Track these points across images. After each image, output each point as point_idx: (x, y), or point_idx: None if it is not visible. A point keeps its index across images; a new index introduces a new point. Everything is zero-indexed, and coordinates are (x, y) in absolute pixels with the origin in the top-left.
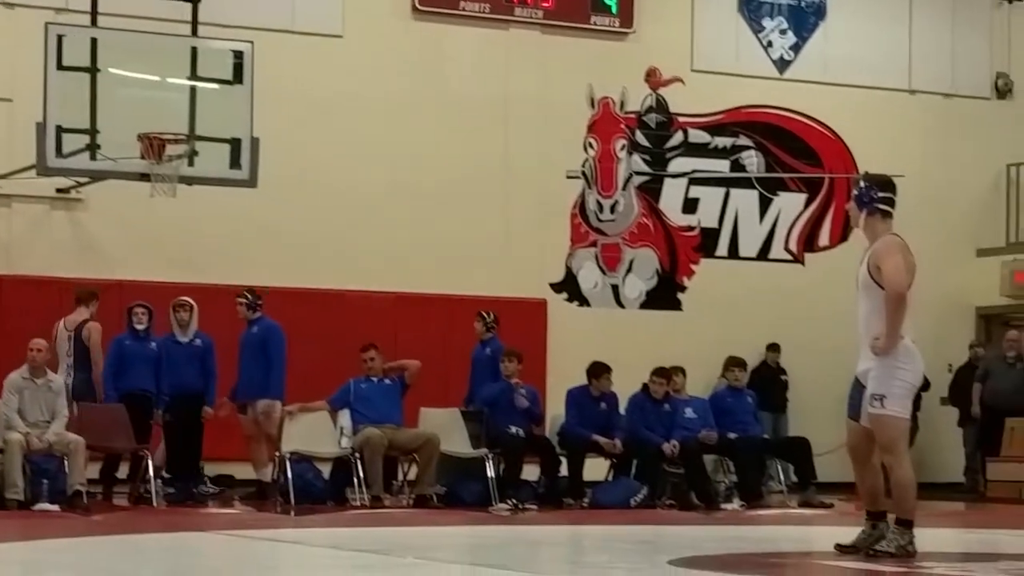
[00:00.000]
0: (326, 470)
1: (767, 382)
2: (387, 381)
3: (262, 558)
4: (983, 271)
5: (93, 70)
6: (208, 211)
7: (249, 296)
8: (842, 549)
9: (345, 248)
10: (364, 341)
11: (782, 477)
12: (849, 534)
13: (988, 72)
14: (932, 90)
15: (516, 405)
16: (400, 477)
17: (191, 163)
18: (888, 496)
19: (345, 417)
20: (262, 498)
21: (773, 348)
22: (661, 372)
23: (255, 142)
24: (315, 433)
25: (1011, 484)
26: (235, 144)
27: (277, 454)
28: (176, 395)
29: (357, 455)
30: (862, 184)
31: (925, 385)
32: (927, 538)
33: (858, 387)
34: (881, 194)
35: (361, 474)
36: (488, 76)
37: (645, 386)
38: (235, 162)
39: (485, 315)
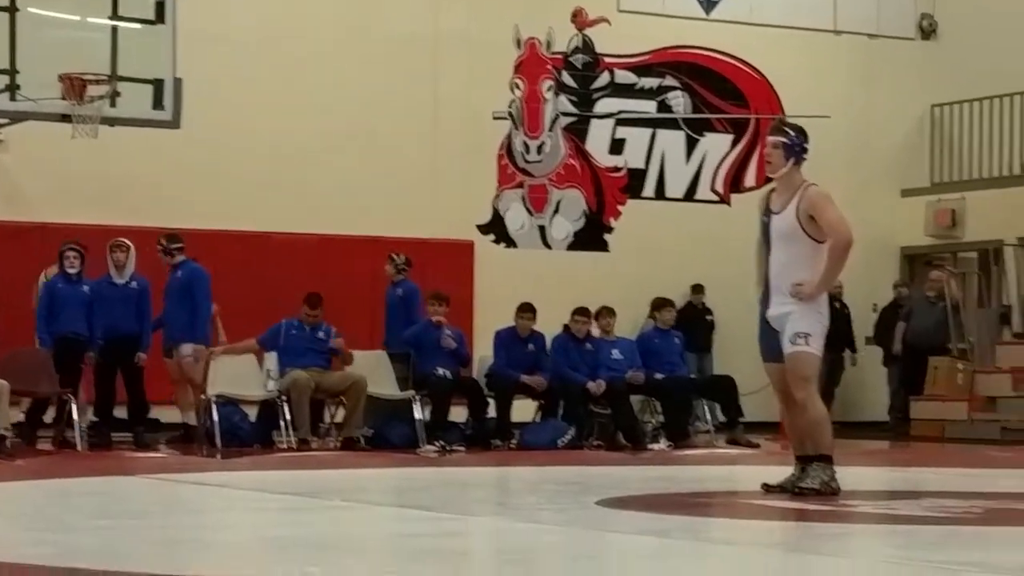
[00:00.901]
0: (253, 413)
1: (693, 323)
2: (320, 334)
3: (188, 502)
4: (907, 211)
5: (12, 9)
6: (131, 153)
7: (164, 242)
8: (769, 489)
9: (270, 190)
10: (289, 283)
11: (709, 417)
12: (775, 473)
13: (913, 13)
14: (857, 31)
15: (443, 347)
16: (327, 420)
17: (113, 104)
18: None
19: (272, 360)
20: (188, 442)
21: (698, 289)
22: (582, 311)
23: (178, 83)
24: (241, 376)
25: (934, 422)
26: (158, 85)
27: (203, 397)
28: (110, 338)
29: (284, 398)
30: (792, 134)
31: (850, 343)
32: (851, 476)
33: (770, 331)
34: (807, 145)
35: (288, 417)
36: (415, 16)
37: (567, 326)
38: (158, 103)
39: (395, 257)
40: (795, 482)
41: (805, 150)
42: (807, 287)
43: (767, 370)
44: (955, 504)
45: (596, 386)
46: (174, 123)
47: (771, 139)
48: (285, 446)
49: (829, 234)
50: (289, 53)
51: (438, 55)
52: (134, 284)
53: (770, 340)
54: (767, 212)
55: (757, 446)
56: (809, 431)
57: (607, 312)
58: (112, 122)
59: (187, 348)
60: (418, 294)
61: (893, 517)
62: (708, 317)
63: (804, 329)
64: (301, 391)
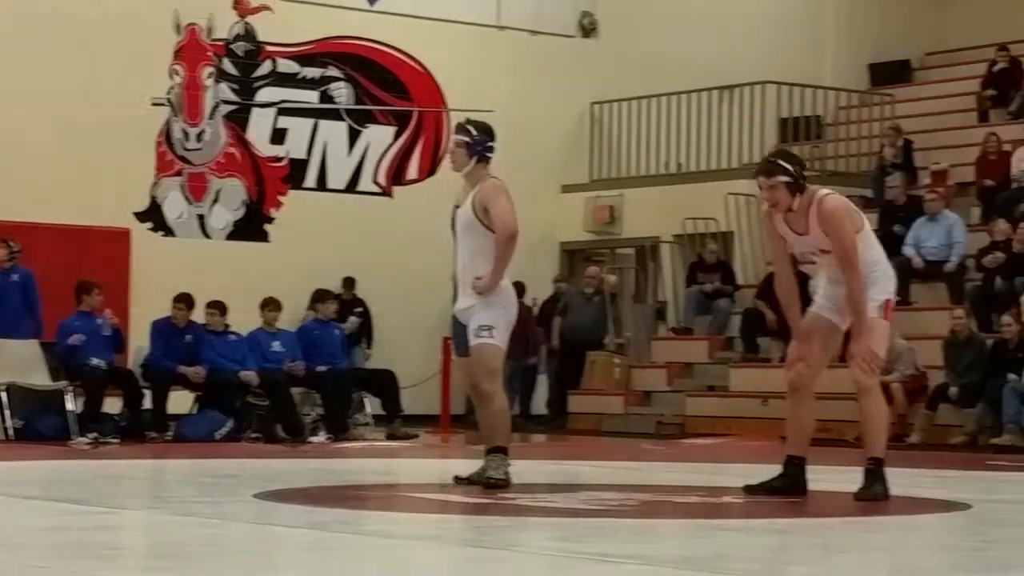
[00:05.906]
0: None
1: (352, 314)
2: None
3: None
4: (567, 207)
5: None
6: None
7: None
8: (459, 481)
9: None
10: None
11: (368, 409)
12: (432, 466)
13: (573, 10)
14: (519, 27)
15: (100, 335)
16: None
17: None
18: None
19: None
20: None
21: (349, 283)
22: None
23: None
24: None
25: (592, 416)
26: None
27: None
28: None
29: None
30: (474, 134)
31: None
32: (510, 469)
33: (459, 325)
34: (490, 143)
35: None
36: None
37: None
38: None
39: (11, 243)
40: (482, 474)
41: (489, 148)
42: (483, 280)
43: (458, 364)
44: (611, 497)
45: (248, 376)
46: None
47: (454, 138)
48: None
49: (495, 225)
50: None
51: (95, 38)
52: None
53: (459, 335)
54: (457, 206)
55: (416, 437)
56: (492, 421)
57: (272, 304)
58: None
59: None
60: (33, 278)
61: (551, 510)
62: (357, 310)
63: (487, 322)
64: None
